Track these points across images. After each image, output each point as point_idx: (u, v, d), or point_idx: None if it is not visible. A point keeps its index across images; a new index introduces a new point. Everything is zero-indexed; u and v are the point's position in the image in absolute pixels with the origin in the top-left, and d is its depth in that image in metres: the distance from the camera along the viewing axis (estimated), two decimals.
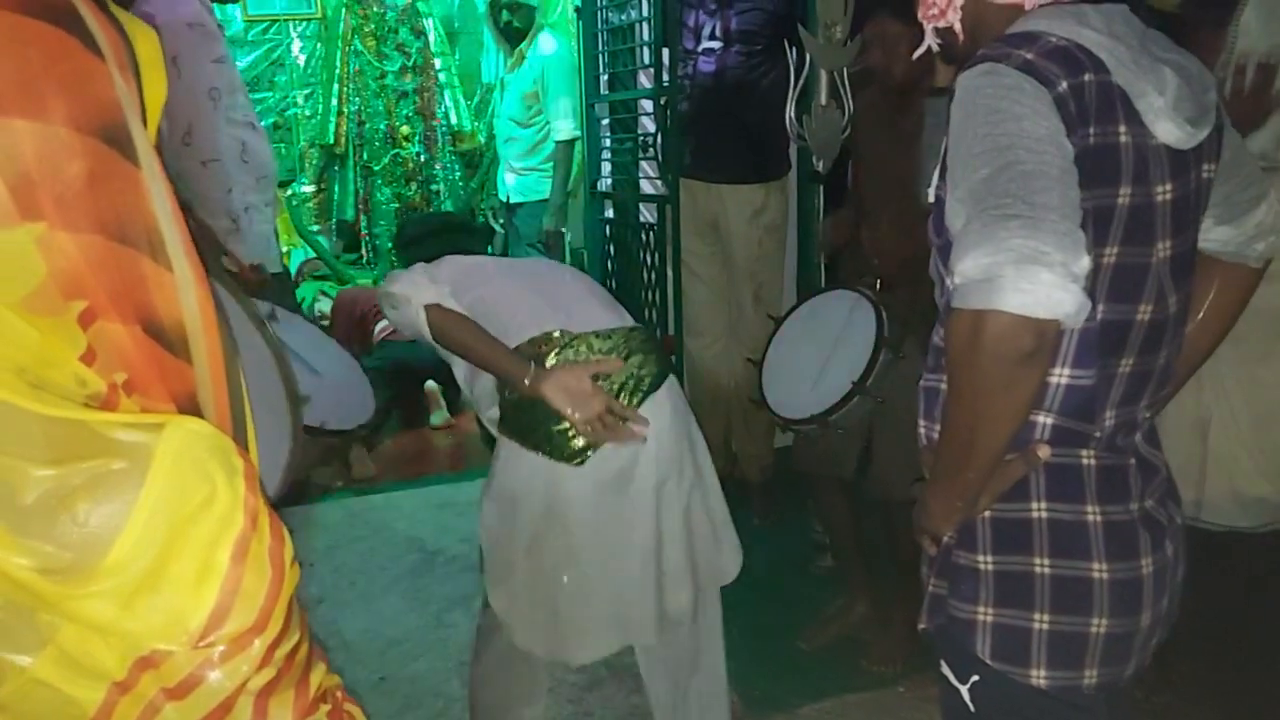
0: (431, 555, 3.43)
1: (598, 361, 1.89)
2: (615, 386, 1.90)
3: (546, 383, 1.85)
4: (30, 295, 0.75)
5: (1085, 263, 1.04)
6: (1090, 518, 1.24)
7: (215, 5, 3.05)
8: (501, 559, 1.98)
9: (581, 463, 1.87)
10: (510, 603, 1.97)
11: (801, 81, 2.67)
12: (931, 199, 1.24)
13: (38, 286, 0.75)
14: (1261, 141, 2.09)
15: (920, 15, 1.32)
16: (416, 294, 1.92)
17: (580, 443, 1.87)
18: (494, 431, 2.03)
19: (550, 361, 1.88)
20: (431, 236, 2.25)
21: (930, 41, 1.32)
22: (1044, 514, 1.25)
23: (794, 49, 2.71)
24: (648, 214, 3.30)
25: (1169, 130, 1.18)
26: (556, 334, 1.91)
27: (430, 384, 4.76)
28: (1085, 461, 1.24)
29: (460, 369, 2.09)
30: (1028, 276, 1.01)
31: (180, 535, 0.77)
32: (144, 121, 0.79)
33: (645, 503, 1.91)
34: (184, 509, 0.78)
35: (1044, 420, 1.23)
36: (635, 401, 1.91)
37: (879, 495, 2.64)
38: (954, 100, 1.17)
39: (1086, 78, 1.14)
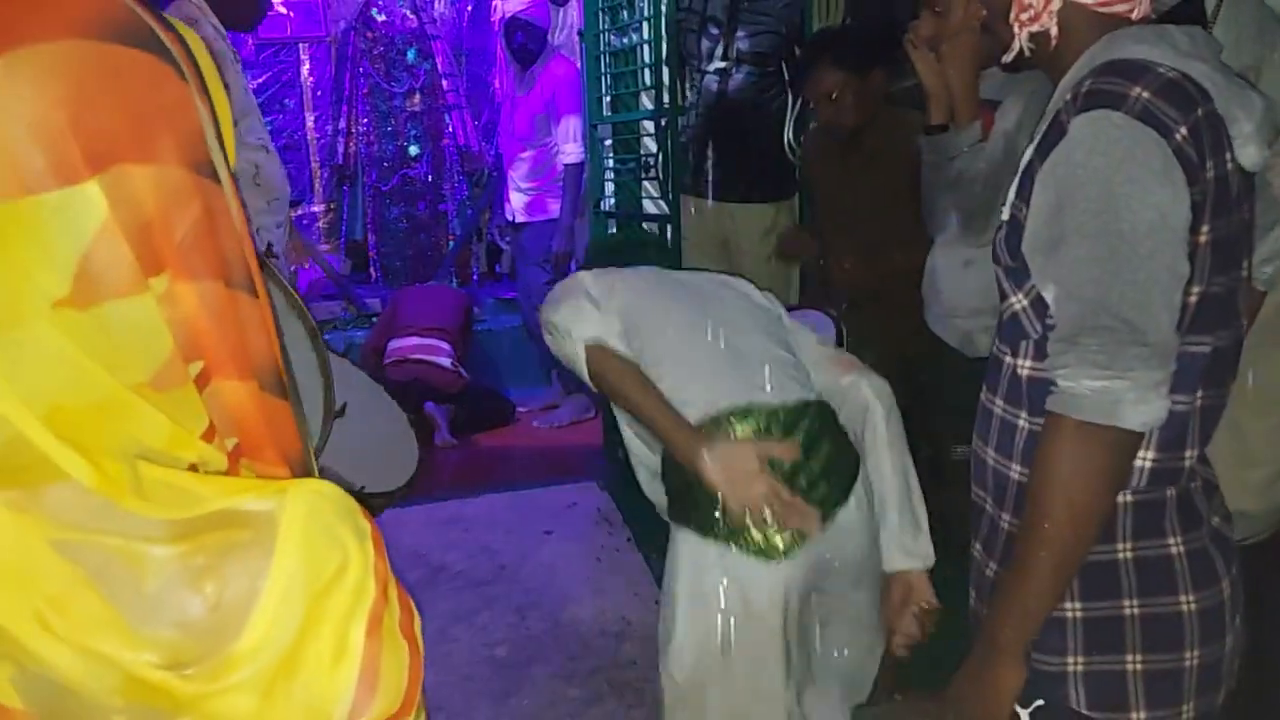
0: (435, 571, 3.45)
1: (771, 444, 1.60)
2: (804, 478, 1.61)
3: (709, 454, 1.57)
4: (160, 370, 0.66)
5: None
6: (1174, 549, 1.22)
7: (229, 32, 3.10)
8: (691, 678, 1.63)
9: (774, 558, 1.57)
10: None
11: (800, 103, 2.71)
12: (1006, 215, 1.22)
13: (168, 359, 0.66)
14: None
15: (1011, 18, 1.27)
16: (578, 326, 1.63)
17: (779, 540, 1.58)
18: (663, 513, 1.77)
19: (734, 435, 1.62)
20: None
21: (1021, 44, 1.26)
22: (1130, 554, 1.21)
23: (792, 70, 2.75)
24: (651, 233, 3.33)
25: (1252, 154, 1.15)
26: (727, 409, 1.63)
27: (428, 406, 4.79)
28: (1169, 493, 1.22)
29: (622, 420, 1.81)
30: (1145, 399, 1.09)
31: (316, 610, 0.67)
32: (219, 140, 0.71)
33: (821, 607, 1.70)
34: (318, 581, 0.68)
35: (1140, 462, 1.19)
36: (832, 501, 1.63)
37: None
38: (1069, 139, 1.12)
39: (1199, 113, 1.11)
